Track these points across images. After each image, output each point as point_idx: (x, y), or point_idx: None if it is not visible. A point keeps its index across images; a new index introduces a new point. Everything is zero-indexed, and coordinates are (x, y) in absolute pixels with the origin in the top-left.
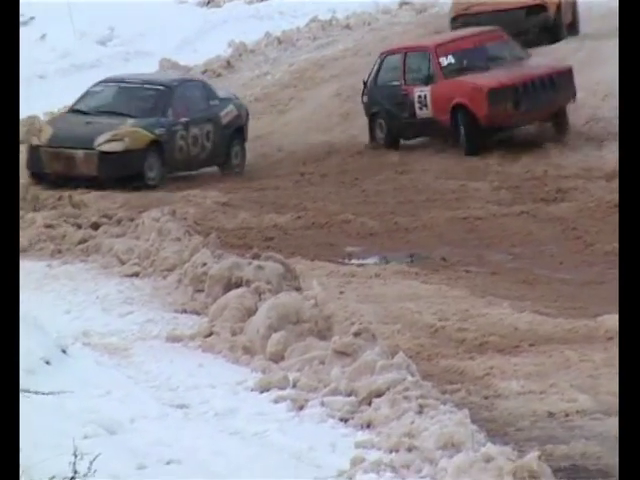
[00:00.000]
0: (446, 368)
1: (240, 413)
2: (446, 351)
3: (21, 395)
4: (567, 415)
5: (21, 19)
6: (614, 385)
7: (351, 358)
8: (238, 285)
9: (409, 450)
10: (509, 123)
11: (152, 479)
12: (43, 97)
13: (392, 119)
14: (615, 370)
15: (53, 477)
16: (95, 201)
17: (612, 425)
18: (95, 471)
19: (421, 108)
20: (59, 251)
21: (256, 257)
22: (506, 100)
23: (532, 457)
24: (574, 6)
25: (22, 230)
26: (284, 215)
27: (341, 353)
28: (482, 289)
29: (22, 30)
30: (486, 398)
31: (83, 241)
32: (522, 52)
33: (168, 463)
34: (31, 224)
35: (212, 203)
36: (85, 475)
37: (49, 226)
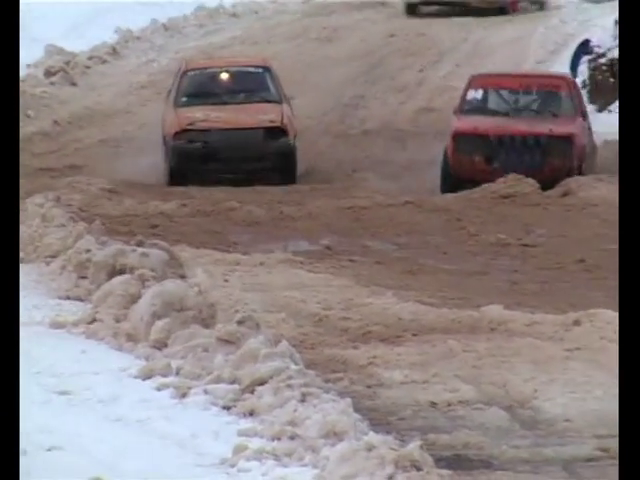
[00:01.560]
0: (329, 357)
1: (123, 400)
2: (330, 340)
3: None
4: (450, 405)
5: None
6: (497, 376)
7: (235, 346)
8: (122, 272)
9: (292, 438)
10: (479, 177)
11: (34, 467)
12: None
13: None
14: (498, 360)
15: None
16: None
17: (494, 415)
18: None
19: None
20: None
21: (140, 244)
22: (473, 151)
23: (414, 446)
24: None
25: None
26: (169, 202)
27: (225, 341)
28: (367, 278)
29: None
30: (369, 387)
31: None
32: (568, 110)
33: (50, 449)
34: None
35: (97, 190)
36: None
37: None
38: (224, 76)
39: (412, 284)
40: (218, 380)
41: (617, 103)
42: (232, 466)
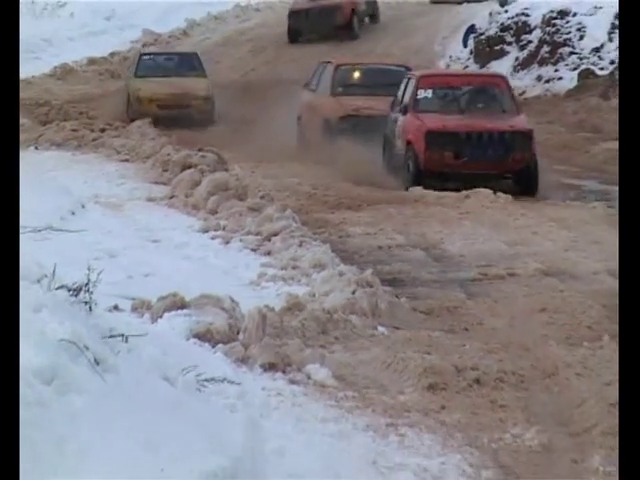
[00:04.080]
0: (316, 219)
1: (190, 245)
2: (316, 208)
3: (56, 234)
4: (389, 247)
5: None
6: (418, 229)
7: (258, 212)
8: (189, 167)
9: (293, 268)
10: (448, 170)
11: (136, 289)
12: (71, 51)
13: (387, 145)
14: (419, 220)
15: (75, 282)
16: (101, 114)
17: (417, 253)
18: (100, 280)
19: (398, 138)
20: (79, 146)
21: (200, 150)
22: (444, 146)
23: (368, 273)
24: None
25: (57, 132)
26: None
27: (252, 209)
28: (339, 173)
29: (59, 11)
30: (340, 237)
31: (95, 139)
32: (510, 106)
33: (146, 275)
34: (62, 129)
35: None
36: (94, 282)
37: (74, 130)
38: (372, 72)
39: (366, 179)
40: (248, 233)
41: (492, 63)
42: (257, 285)
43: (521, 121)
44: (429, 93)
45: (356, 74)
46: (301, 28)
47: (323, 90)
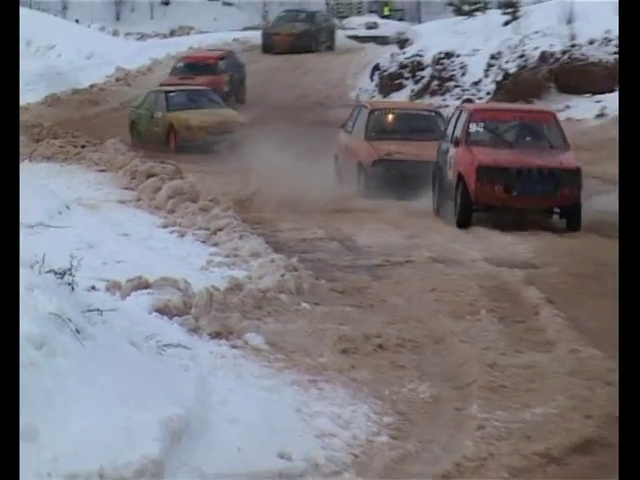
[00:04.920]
0: (254, 217)
1: (153, 238)
2: (254, 209)
3: (46, 229)
4: (312, 240)
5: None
6: (335, 226)
7: (207, 212)
8: (152, 175)
9: (235, 256)
10: (498, 204)
11: (109, 272)
12: (59, 83)
13: (438, 174)
14: (339, 220)
15: (60, 268)
16: (83, 135)
17: (333, 245)
18: (81, 266)
19: (449, 169)
20: (65, 159)
21: (162, 162)
22: (495, 181)
23: (294, 260)
24: None
25: (47, 148)
26: None
27: (202, 209)
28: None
29: (49, 52)
30: (272, 232)
31: (77, 154)
32: (560, 141)
33: (118, 262)
34: (52, 145)
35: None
36: (76, 268)
37: (61, 146)
38: (405, 117)
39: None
40: (199, 228)
41: (393, 94)
42: (206, 270)
43: (569, 158)
44: (480, 127)
45: (389, 118)
46: None
47: (358, 133)
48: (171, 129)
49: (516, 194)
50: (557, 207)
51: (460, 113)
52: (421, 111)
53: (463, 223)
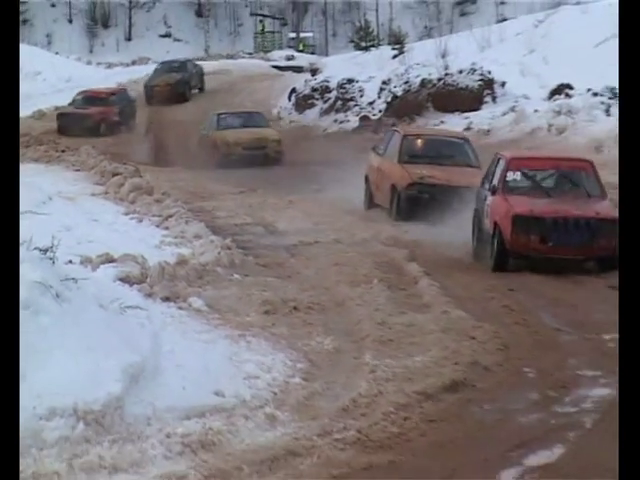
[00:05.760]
0: (196, 207)
1: (117, 223)
2: (195, 199)
3: (33, 216)
4: (242, 225)
5: (34, 72)
6: (260, 214)
7: (160, 203)
8: (117, 174)
9: (182, 237)
10: (534, 254)
11: (83, 250)
12: (44, 102)
13: (477, 220)
14: (260, 208)
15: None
16: (64, 142)
17: (258, 229)
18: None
19: (487, 217)
20: (49, 161)
21: (125, 164)
22: (531, 230)
23: (228, 240)
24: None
25: (34, 152)
26: None
27: (156, 200)
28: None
29: (36, 77)
30: (213, 218)
31: (58, 157)
32: (597, 190)
33: (90, 242)
34: (38, 150)
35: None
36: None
37: (45, 151)
38: (435, 143)
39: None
40: (153, 215)
41: (306, 111)
42: (159, 248)
43: (606, 208)
44: (517, 175)
45: (421, 144)
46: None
47: (390, 156)
48: (215, 145)
49: (552, 244)
50: (593, 257)
51: (498, 161)
52: (451, 138)
53: (498, 270)
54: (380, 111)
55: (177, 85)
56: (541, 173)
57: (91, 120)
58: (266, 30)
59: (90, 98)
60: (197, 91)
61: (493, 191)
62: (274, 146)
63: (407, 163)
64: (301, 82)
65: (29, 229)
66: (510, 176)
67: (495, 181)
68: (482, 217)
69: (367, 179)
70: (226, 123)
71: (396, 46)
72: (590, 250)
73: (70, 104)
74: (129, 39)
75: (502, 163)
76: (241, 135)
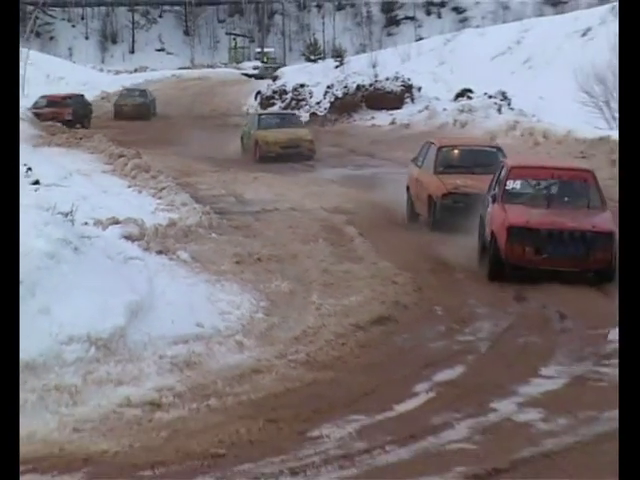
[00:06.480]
0: (184, 181)
1: (123, 194)
2: (183, 175)
3: (57, 187)
4: (218, 196)
5: (59, 77)
6: (232, 188)
7: (155, 178)
8: (122, 156)
9: (172, 205)
10: (529, 265)
11: (95, 214)
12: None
13: (481, 226)
14: (233, 183)
15: (65, 211)
16: (82, 132)
17: (231, 199)
18: (77, 209)
19: (487, 225)
20: (70, 145)
21: (129, 148)
22: (525, 242)
23: (207, 207)
24: None
25: (59, 139)
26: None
27: (152, 177)
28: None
29: (60, 81)
30: (196, 190)
31: (77, 143)
32: (597, 201)
33: (101, 208)
34: (61, 137)
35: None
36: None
37: (67, 138)
38: (469, 153)
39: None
40: (150, 188)
41: (269, 108)
42: (154, 213)
43: (604, 220)
44: (517, 184)
45: (456, 154)
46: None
47: (427, 167)
48: (256, 143)
49: (547, 256)
50: (589, 270)
51: (502, 169)
52: (484, 147)
53: (494, 279)
54: (325, 109)
55: (141, 106)
56: (542, 183)
57: (43, 117)
58: (238, 46)
59: (48, 101)
60: (152, 115)
61: (494, 199)
62: (307, 145)
63: (442, 174)
64: (264, 86)
65: (54, 198)
66: (510, 184)
67: (496, 189)
68: (484, 223)
69: (408, 190)
70: (266, 123)
71: (337, 59)
72: (586, 263)
73: (33, 105)
74: (132, 52)
75: (504, 171)
76: (279, 135)
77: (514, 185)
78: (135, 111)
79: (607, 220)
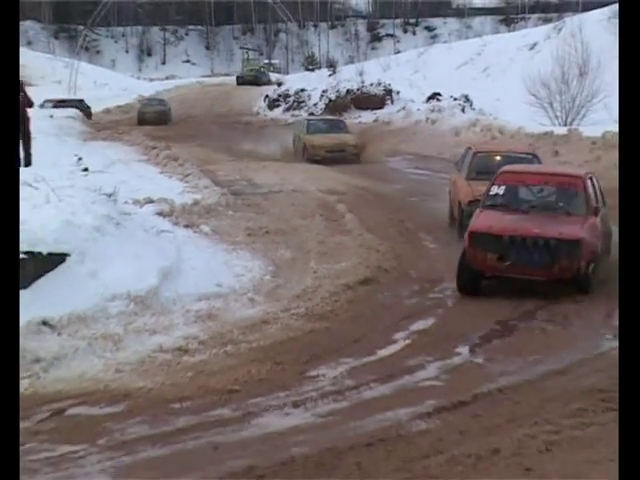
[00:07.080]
0: (206, 168)
1: (156, 179)
2: (203, 164)
3: (102, 174)
4: (235, 180)
5: (103, 83)
6: (245, 174)
7: (182, 166)
8: (155, 148)
9: (196, 187)
10: (492, 272)
11: (134, 195)
12: (109, 103)
13: None
14: (247, 171)
15: (109, 192)
16: (119, 127)
17: (243, 183)
18: (119, 191)
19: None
20: (112, 140)
21: (161, 142)
22: (488, 248)
23: (226, 189)
24: None
25: (103, 134)
26: None
27: (180, 165)
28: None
29: (104, 87)
30: (215, 176)
31: (117, 137)
32: (582, 208)
33: (138, 190)
34: (105, 133)
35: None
36: (116, 192)
37: (111, 134)
38: (504, 159)
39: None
40: (178, 174)
41: (275, 109)
42: (181, 194)
43: (576, 227)
44: (502, 190)
45: (491, 161)
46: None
47: (463, 172)
48: (304, 146)
49: (510, 263)
50: (555, 279)
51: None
52: (519, 154)
53: (460, 288)
54: (321, 109)
55: (161, 114)
56: (526, 189)
57: None
58: (249, 58)
59: (58, 104)
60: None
61: (482, 206)
62: (351, 149)
63: (474, 180)
64: (271, 91)
65: (99, 182)
66: (494, 190)
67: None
68: None
69: (450, 194)
70: (314, 128)
71: (331, 68)
72: (551, 271)
73: (39, 107)
74: (164, 63)
75: (494, 177)
76: (325, 140)
77: (497, 191)
78: (155, 117)
79: (580, 228)
